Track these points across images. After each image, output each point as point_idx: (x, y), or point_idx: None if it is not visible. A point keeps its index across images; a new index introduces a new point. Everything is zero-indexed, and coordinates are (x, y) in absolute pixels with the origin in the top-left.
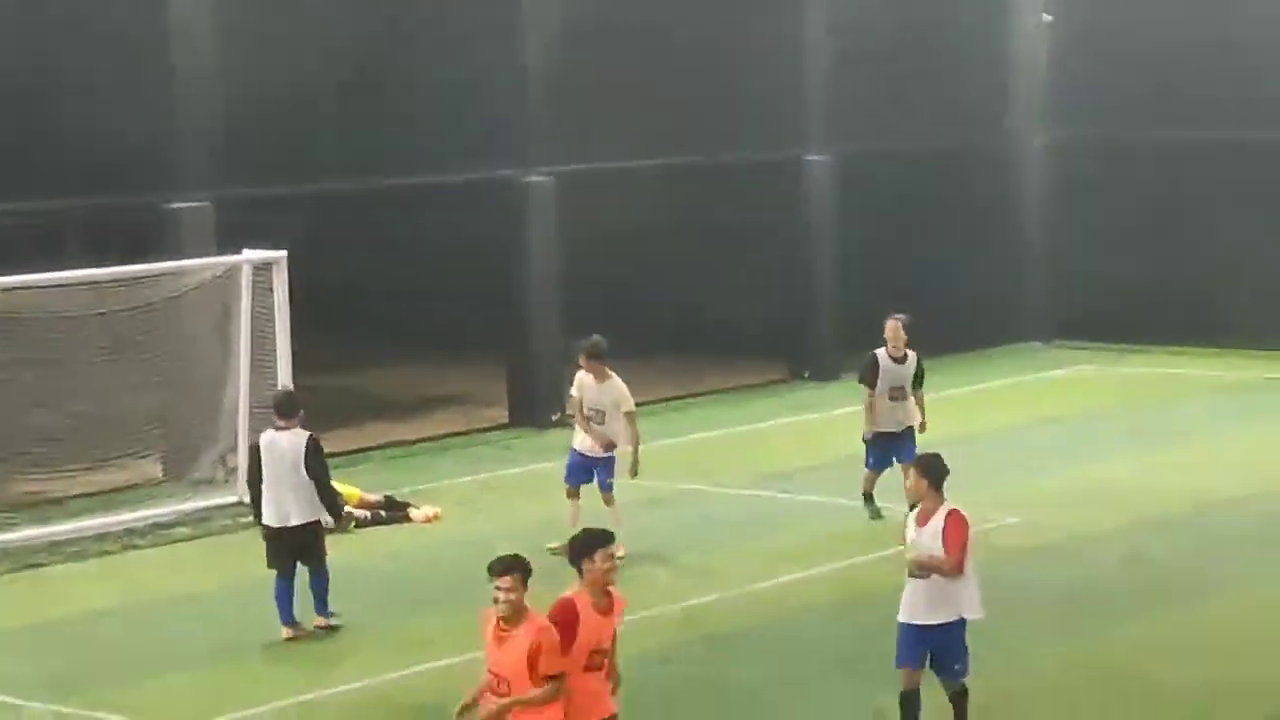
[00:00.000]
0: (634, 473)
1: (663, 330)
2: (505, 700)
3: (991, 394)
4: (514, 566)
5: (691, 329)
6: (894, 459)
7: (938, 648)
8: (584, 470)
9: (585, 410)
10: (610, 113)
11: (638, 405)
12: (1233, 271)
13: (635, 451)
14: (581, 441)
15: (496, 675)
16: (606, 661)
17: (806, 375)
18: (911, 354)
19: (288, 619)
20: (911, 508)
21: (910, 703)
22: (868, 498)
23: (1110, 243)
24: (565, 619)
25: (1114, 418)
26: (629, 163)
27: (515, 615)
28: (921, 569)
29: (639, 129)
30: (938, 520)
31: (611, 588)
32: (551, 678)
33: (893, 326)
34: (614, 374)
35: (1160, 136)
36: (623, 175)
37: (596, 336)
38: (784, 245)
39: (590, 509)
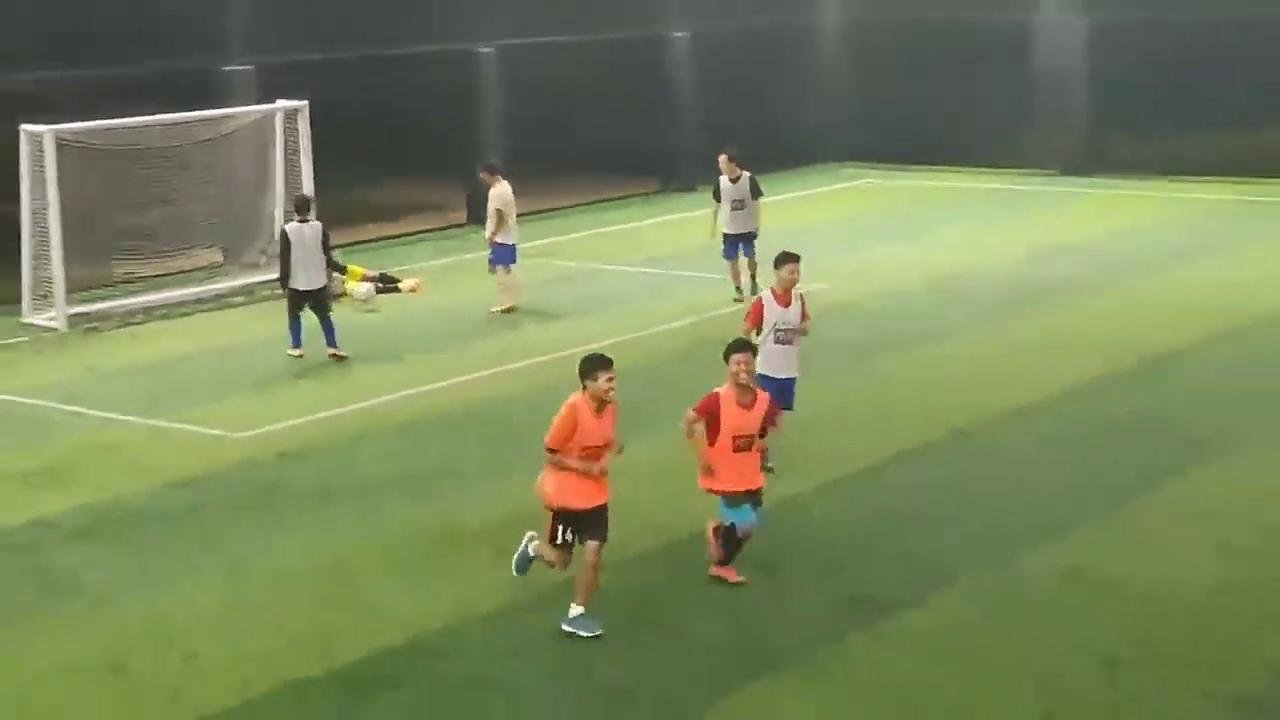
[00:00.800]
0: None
1: (573, 156)
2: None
3: (799, 201)
4: (611, 362)
5: (595, 154)
6: (740, 252)
7: (782, 394)
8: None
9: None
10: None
11: (554, 209)
12: (981, 107)
13: (485, 233)
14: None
15: (597, 446)
16: (756, 443)
17: (675, 187)
18: (745, 174)
19: (298, 344)
20: (754, 291)
21: None
22: (739, 290)
23: (890, 83)
24: (705, 407)
25: (890, 217)
26: (551, 38)
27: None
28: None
29: (557, 13)
30: (797, 302)
31: (755, 385)
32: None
33: (722, 159)
34: (501, 182)
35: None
36: (548, 47)
37: (492, 158)
38: (659, 98)
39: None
